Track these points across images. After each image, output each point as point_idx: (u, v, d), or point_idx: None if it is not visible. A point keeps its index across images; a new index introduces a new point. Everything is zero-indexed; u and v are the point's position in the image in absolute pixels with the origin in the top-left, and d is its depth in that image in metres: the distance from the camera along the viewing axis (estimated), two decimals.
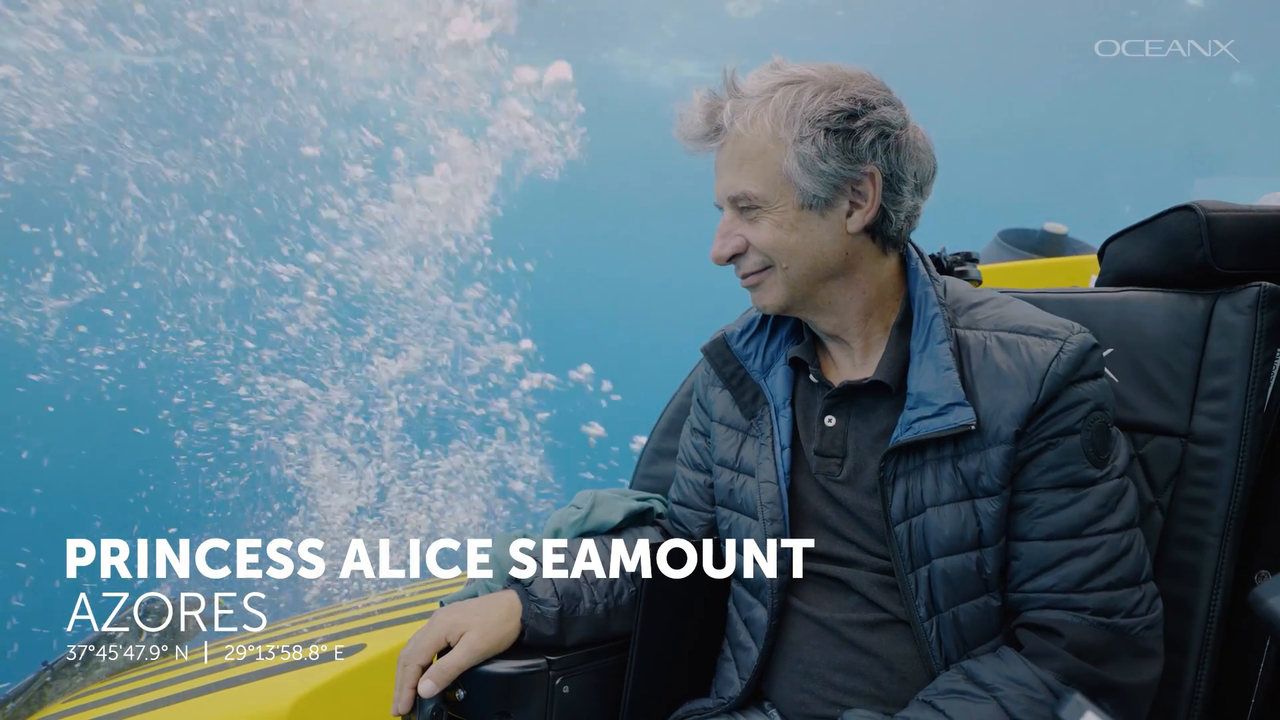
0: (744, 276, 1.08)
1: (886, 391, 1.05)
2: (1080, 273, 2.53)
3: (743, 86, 1.02)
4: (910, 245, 1.11)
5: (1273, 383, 1.05)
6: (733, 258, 1.07)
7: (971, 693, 0.93)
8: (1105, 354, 1.12)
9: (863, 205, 1.02)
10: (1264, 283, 1.06)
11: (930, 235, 1.15)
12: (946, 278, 1.11)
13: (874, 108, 0.99)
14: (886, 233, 1.05)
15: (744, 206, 1.03)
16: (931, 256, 1.34)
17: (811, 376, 1.12)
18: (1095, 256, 1.36)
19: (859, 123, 0.99)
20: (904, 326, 1.07)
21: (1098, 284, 1.32)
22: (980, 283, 1.35)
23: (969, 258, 1.48)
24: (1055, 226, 2.87)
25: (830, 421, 1.09)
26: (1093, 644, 0.93)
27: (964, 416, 0.96)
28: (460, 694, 1.05)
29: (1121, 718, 0.93)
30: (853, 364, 1.11)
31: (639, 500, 1.33)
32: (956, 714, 0.92)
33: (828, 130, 0.98)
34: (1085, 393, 0.97)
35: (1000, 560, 0.98)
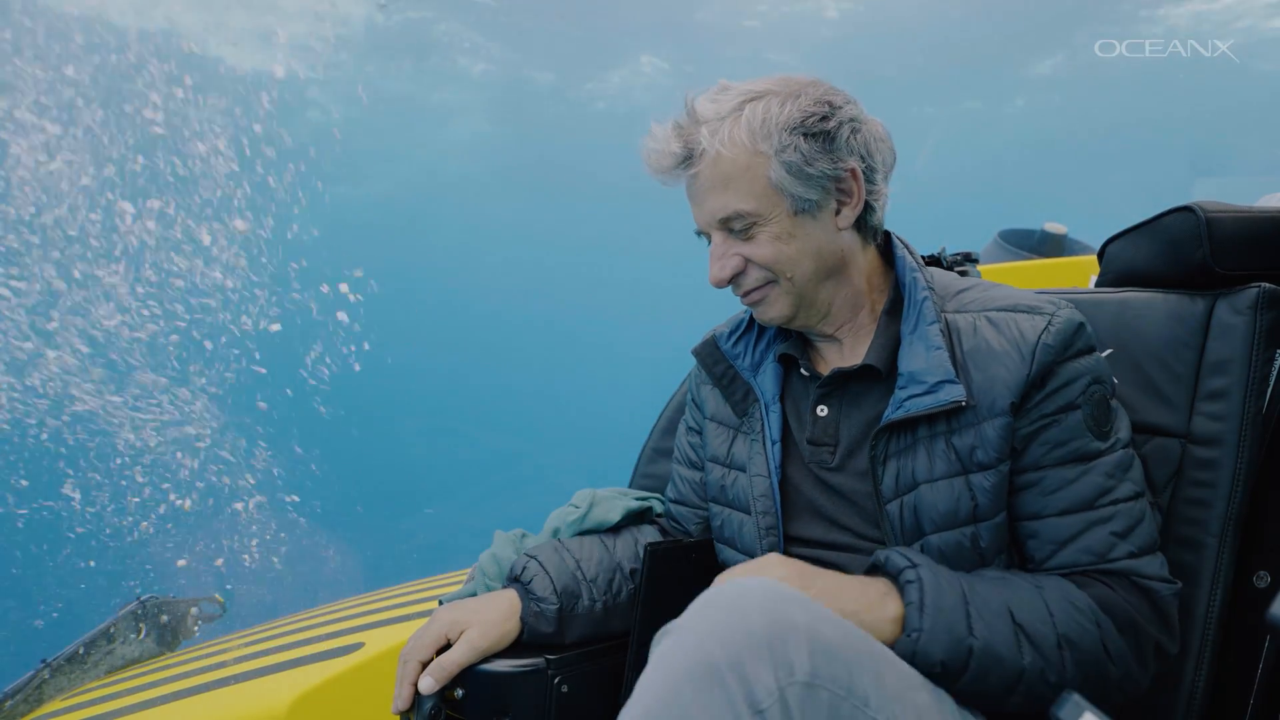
0: (745, 294, 1.08)
1: (877, 377, 1.06)
2: (1080, 273, 2.54)
3: (704, 111, 1.02)
4: (892, 235, 1.13)
5: (1272, 384, 1.05)
6: (732, 278, 1.07)
7: (1018, 579, 0.95)
8: (1105, 354, 1.12)
9: (849, 201, 1.05)
10: (1263, 284, 1.06)
11: (930, 234, 1.15)
12: (931, 268, 1.13)
13: (840, 106, 1.02)
14: (870, 223, 1.08)
15: (737, 227, 1.04)
16: (932, 256, 1.35)
17: (802, 370, 1.13)
18: (1095, 257, 1.36)
19: (832, 123, 1.01)
20: (892, 314, 1.08)
21: (1097, 284, 1.32)
22: None
23: (969, 258, 1.48)
24: (1055, 227, 2.87)
25: (822, 411, 1.10)
26: (1127, 596, 0.95)
27: (954, 393, 0.97)
28: (459, 692, 1.06)
29: (1133, 655, 0.94)
30: (841, 354, 1.13)
31: (638, 499, 1.33)
32: (1002, 589, 0.93)
33: (806, 135, 1.00)
34: (1082, 367, 0.99)
35: (996, 535, 0.99)
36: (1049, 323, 0.98)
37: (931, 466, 1.00)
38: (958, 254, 1.48)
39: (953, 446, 0.99)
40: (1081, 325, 1.00)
